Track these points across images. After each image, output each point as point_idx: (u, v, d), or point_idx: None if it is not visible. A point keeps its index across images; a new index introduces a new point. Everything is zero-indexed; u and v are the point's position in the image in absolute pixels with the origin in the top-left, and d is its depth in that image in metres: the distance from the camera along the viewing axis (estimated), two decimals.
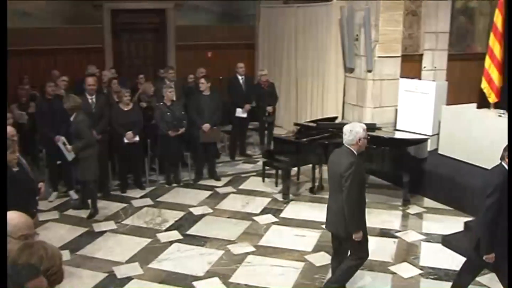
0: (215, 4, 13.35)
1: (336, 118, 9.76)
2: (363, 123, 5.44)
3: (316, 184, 8.78)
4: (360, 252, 5.41)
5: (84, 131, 7.49)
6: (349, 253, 5.52)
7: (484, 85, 10.24)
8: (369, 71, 10.05)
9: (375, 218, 7.70)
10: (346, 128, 5.26)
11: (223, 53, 13.09)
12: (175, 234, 7.18)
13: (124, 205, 8.21)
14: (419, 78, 10.32)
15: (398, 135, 9.21)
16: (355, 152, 5.20)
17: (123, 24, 12.56)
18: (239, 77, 10.39)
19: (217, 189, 8.92)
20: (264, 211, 7.99)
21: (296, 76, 12.19)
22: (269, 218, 7.75)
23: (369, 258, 6.42)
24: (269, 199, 8.46)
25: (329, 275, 6.00)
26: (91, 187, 7.77)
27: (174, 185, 9.09)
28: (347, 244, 5.38)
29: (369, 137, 5.35)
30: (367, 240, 5.46)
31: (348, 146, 5.23)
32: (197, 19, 13.19)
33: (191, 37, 12.93)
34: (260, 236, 7.14)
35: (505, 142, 8.00)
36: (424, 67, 10.63)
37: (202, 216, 7.82)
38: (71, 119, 7.50)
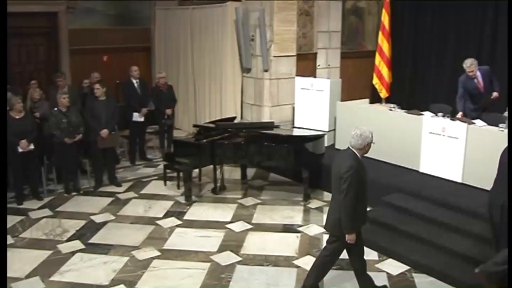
0: (109, 6, 13.04)
1: (234, 118, 9.84)
2: (369, 129, 5.41)
3: (218, 184, 8.83)
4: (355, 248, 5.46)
5: None
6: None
7: (375, 81, 10.81)
8: (266, 70, 10.24)
9: (277, 214, 7.90)
10: (356, 132, 5.29)
11: (120, 57, 12.84)
12: (77, 244, 6.97)
13: (21, 217, 7.88)
14: (314, 76, 10.65)
15: (296, 132, 9.44)
16: (358, 155, 5.28)
17: (11, 28, 11.98)
18: (134, 81, 10.18)
19: (118, 195, 8.76)
20: (167, 215, 7.94)
21: (193, 78, 12.18)
22: (172, 221, 7.71)
23: (274, 253, 6.62)
24: (172, 202, 8.42)
25: (236, 273, 6.13)
26: None
27: (74, 193, 8.82)
28: (341, 243, 5.42)
29: (374, 143, 5.41)
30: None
31: (353, 149, 5.29)
32: (91, 22, 12.85)
33: (85, 41, 12.57)
34: (165, 239, 7.09)
35: (398, 135, 8.47)
36: (319, 65, 10.97)
37: (104, 223, 7.65)
38: None
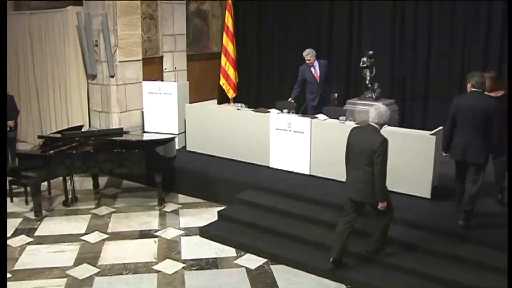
0: None
1: (82, 126, 9.55)
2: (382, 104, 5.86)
3: (70, 196, 8.53)
4: (389, 212, 5.82)
5: None
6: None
7: (222, 81, 11.05)
8: (112, 76, 10.04)
9: (133, 221, 7.81)
10: (378, 110, 5.62)
11: None
12: None
13: None
14: (162, 80, 10.65)
15: (146, 137, 9.38)
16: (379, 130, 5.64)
17: None
18: None
19: None
20: (16, 233, 7.52)
21: (36, 87, 11.64)
22: (22, 239, 7.32)
23: (133, 261, 6.55)
24: (21, 219, 8.00)
25: (95, 285, 5.98)
26: None
27: None
28: (375, 209, 5.77)
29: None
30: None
31: (375, 125, 5.61)
32: None
33: None
34: (15, 259, 6.72)
35: (247, 133, 8.71)
36: (165, 69, 10.96)
37: None
38: None
